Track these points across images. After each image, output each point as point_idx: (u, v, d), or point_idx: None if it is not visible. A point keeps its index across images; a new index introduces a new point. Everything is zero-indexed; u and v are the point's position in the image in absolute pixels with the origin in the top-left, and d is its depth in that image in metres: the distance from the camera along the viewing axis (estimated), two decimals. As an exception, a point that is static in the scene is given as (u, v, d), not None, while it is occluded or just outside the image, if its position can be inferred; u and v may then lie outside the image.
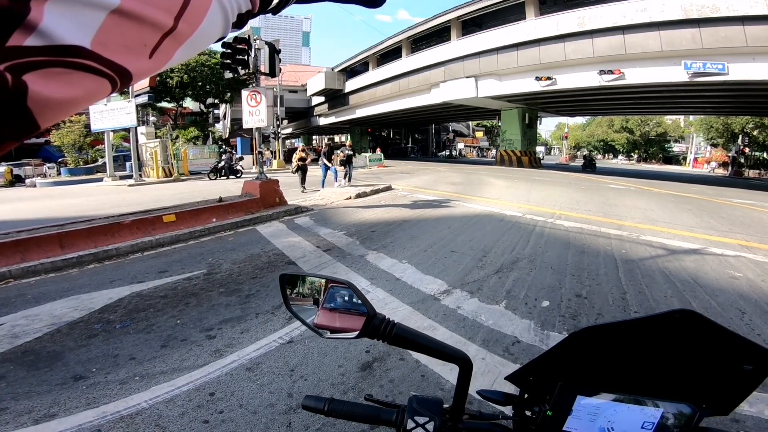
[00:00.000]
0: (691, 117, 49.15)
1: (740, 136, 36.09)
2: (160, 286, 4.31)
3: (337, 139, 67.00)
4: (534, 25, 19.73)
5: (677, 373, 0.57)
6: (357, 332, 0.66)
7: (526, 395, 0.65)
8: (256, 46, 8.54)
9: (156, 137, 20.87)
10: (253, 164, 25.99)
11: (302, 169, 12.62)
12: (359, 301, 0.67)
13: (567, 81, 19.65)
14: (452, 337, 3.13)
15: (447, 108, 31.38)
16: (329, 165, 12.60)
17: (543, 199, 10.74)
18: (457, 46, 24.31)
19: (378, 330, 0.65)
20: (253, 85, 8.91)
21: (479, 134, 68.44)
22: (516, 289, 4.15)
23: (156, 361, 2.85)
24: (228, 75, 8.68)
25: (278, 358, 2.87)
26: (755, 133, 36.91)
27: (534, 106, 27.90)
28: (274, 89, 35.32)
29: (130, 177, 17.68)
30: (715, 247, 6.05)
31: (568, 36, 18.45)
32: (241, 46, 8.44)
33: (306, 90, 42.73)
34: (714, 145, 44.45)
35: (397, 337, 0.65)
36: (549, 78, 19.98)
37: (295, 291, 0.77)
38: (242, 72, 8.49)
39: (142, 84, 20.78)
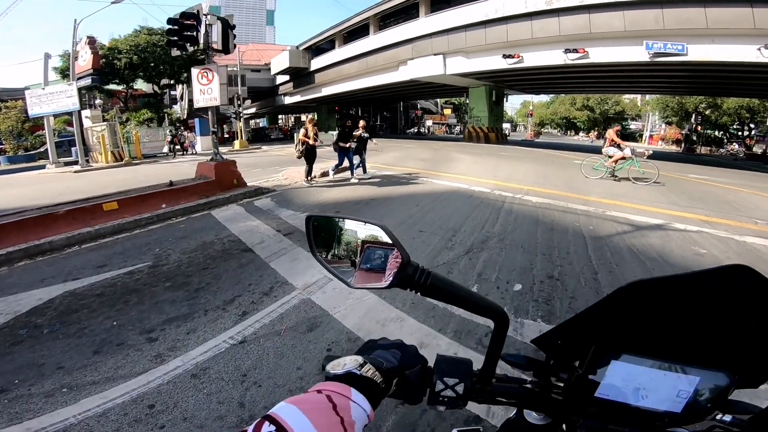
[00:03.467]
0: (648, 96, 50.73)
1: (693, 115, 37.61)
2: (97, 283, 3.83)
3: (303, 117, 64.97)
4: (503, 3, 19.32)
5: (721, 338, 0.53)
6: (389, 281, 0.63)
7: (552, 361, 0.61)
8: (207, 22, 7.87)
9: (104, 120, 19.62)
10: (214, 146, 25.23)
11: (309, 153, 9.22)
12: (390, 247, 0.64)
13: (533, 59, 19.55)
14: (421, 329, 2.87)
15: (415, 86, 30.85)
16: (348, 148, 9.66)
17: (510, 175, 10.66)
18: (426, 23, 23.66)
19: (412, 279, 0.61)
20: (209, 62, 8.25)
21: (447, 111, 68.20)
22: (487, 271, 3.95)
23: (87, 370, 2.48)
24: (175, 53, 8.07)
25: (228, 361, 2.54)
26: (707, 112, 38.47)
27: (501, 83, 27.78)
28: (233, 68, 33.96)
29: (76, 163, 16.52)
30: (678, 223, 6.03)
31: (535, 14, 18.19)
32: (189, 22, 7.76)
33: (270, 69, 41.14)
34: (669, 123, 46.11)
35: (433, 287, 0.62)
36: (516, 56, 19.83)
37: (322, 235, 0.73)
38: (190, 49, 7.84)
39: (84, 66, 19.17)
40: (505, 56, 20.06)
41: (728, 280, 0.48)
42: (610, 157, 10.56)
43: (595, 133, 62.21)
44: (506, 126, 55.64)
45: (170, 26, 7.75)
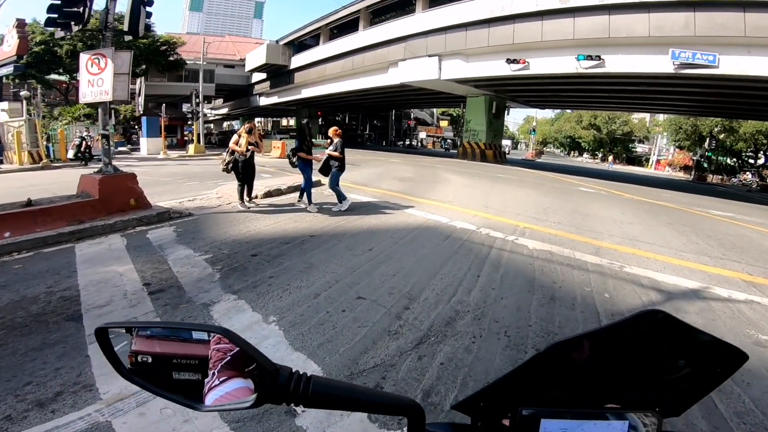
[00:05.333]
0: (660, 116, 50.82)
1: (708, 139, 37.21)
2: None
3: (285, 123, 63.73)
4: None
5: (642, 379, 0.59)
6: (253, 398, 0.57)
7: (479, 423, 0.63)
8: None
9: (30, 115, 18.37)
10: (163, 150, 23.82)
11: (241, 167, 7.70)
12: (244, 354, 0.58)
13: (541, 65, 18.81)
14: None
15: (407, 92, 30.18)
16: (309, 160, 7.97)
17: (505, 204, 9.60)
18: (422, 19, 22.90)
19: (286, 391, 0.56)
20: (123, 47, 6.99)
21: (444, 123, 67.72)
22: (442, 385, 2.60)
23: None
24: (59, 34, 7.04)
25: None
26: (722, 136, 38.23)
27: (503, 93, 27.17)
28: (193, 60, 32.64)
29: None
30: (718, 286, 4.93)
31: (547, 14, 17.44)
32: None
33: (245, 65, 40.07)
34: (680, 148, 45.93)
35: (318, 396, 0.57)
36: (521, 61, 19.06)
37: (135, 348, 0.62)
38: (75, 28, 6.65)
39: (9, 53, 17.75)
40: (509, 61, 19.31)
41: (642, 325, 0.55)
42: None
43: (600, 155, 62.53)
44: (506, 143, 55.45)
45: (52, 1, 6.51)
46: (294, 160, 8.01)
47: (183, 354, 0.61)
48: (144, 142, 25.96)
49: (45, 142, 17.11)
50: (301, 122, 8.54)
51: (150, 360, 0.61)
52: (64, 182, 9.44)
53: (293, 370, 0.58)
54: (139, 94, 34.31)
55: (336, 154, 7.71)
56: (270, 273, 4.44)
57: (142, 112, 29.79)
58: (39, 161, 16.22)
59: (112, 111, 29.32)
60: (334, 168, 7.82)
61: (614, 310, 3.98)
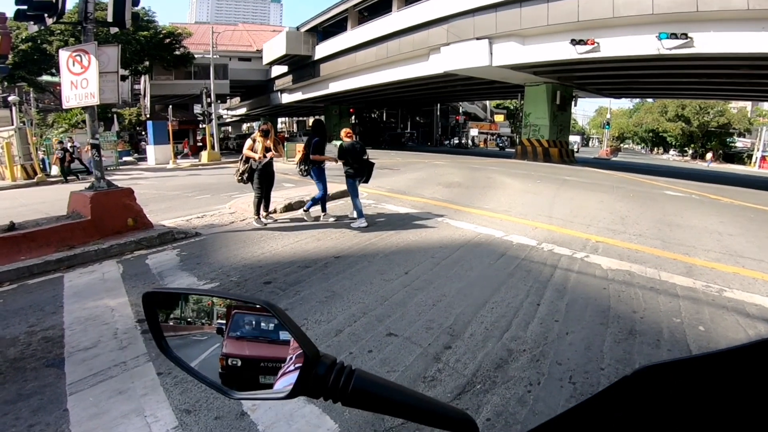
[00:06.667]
0: (766, 105, 48.16)
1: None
2: None
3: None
4: (577, -33, 18.38)
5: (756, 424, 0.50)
6: (289, 389, 0.60)
7: None
8: None
9: (21, 122, 19.19)
10: (172, 159, 24.04)
11: (258, 176, 7.78)
12: (287, 334, 0.63)
13: (614, 46, 18.34)
14: None
15: (452, 82, 30.11)
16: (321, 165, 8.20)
17: (573, 213, 9.38)
18: (468, -6, 22.83)
19: (324, 383, 0.58)
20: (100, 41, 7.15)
21: (499, 118, 67.10)
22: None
23: None
24: (33, 28, 7.10)
25: None
26: None
27: (568, 80, 26.65)
28: (202, 54, 32.96)
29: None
30: None
31: (620, -16, 17.05)
32: None
33: (262, 58, 40.78)
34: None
35: (360, 393, 0.57)
36: (589, 42, 18.63)
37: (173, 317, 0.73)
38: (49, 21, 6.69)
39: None
40: (574, 42, 18.92)
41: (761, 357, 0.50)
42: None
43: (690, 151, 60.05)
44: (574, 139, 54.14)
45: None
46: (305, 167, 8.13)
47: (271, 357, 0.68)
48: (151, 150, 26.32)
49: (40, 154, 17.51)
50: (316, 119, 8.74)
51: (239, 363, 0.68)
52: (59, 200, 9.64)
53: (336, 360, 0.60)
54: (145, 96, 35.27)
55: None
56: (285, 304, 4.42)
57: (149, 116, 30.49)
58: (34, 176, 16.64)
59: (115, 115, 30.35)
60: (347, 173, 7.93)
61: (712, 348, 3.67)
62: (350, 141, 8.03)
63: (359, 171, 7.94)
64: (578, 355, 3.51)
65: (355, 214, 8.00)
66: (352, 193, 8.03)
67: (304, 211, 8.39)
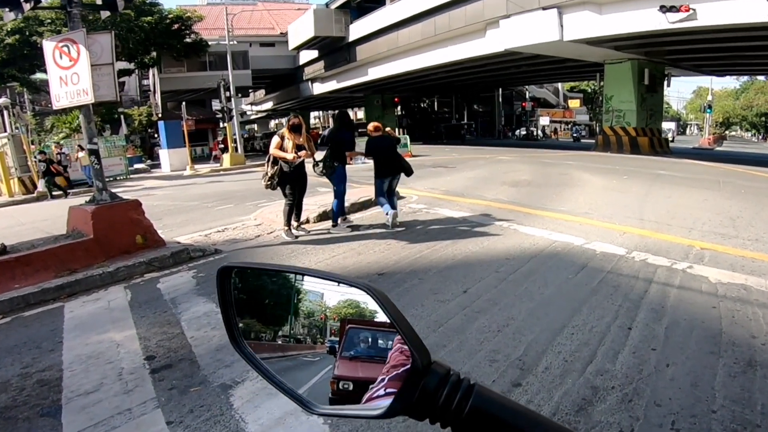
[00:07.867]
0: None
1: None
2: None
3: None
4: None
5: None
6: (386, 406, 0.57)
7: None
8: None
9: (15, 128, 19.57)
10: (189, 164, 24.09)
11: (289, 180, 7.76)
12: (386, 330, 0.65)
13: (714, 13, 17.68)
14: None
15: (515, 61, 29.96)
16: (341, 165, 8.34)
17: (670, 215, 9.11)
18: (530, -46, 22.81)
19: (433, 401, 0.54)
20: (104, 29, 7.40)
21: (574, 104, 65.99)
22: None
23: None
24: (9, 16, 7.28)
25: None
26: None
27: (658, 56, 26.10)
28: (216, 40, 32.68)
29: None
30: None
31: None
32: None
33: (288, 42, 40.70)
34: None
35: (479, 415, 0.53)
36: (683, 8, 18.03)
37: (251, 303, 0.78)
38: (27, 6, 6.79)
39: None
40: (663, 9, 18.36)
41: None
42: None
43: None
44: (668, 126, 52.38)
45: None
46: (330, 164, 8.09)
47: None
48: (165, 155, 26.46)
49: (40, 165, 17.36)
50: (340, 111, 8.87)
51: (351, 387, 0.68)
52: (61, 217, 9.52)
53: (451, 370, 0.57)
54: (155, 92, 35.73)
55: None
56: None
57: (160, 115, 30.69)
58: (33, 190, 16.90)
59: (122, 116, 30.96)
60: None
61: None
62: (378, 135, 8.33)
63: (384, 169, 8.21)
64: (682, 393, 3.34)
65: (388, 219, 8.15)
66: (376, 192, 8.33)
67: (333, 226, 8.40)
